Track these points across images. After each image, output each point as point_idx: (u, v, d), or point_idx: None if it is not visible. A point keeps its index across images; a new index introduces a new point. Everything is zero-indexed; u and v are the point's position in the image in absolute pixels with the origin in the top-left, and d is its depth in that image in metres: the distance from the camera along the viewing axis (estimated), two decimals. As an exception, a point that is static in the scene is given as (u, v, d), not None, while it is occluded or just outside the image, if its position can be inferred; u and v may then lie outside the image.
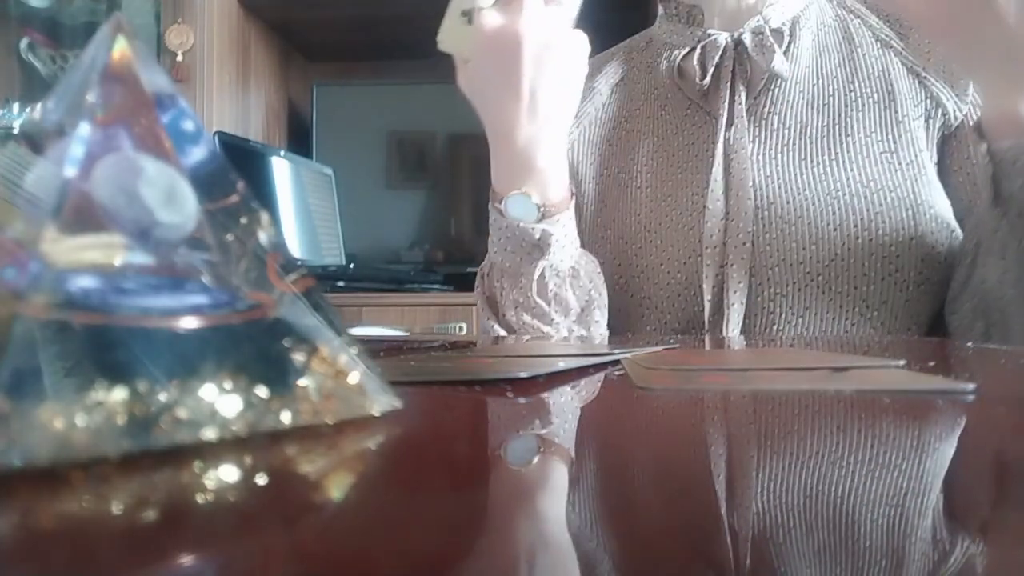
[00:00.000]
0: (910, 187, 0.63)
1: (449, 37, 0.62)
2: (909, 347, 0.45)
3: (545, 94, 0.59)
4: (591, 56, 0.85)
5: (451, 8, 0.61)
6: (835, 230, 0.62)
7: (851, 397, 0.23)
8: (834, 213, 0.63)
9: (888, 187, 0.63)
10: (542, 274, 0.62)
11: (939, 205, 0.63)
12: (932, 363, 0.32)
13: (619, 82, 0.80)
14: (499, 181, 0.64)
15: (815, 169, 0.65)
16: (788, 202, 0.64)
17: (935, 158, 0.65)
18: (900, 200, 0.62)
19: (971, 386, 0.23)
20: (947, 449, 0.17)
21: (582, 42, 0.61)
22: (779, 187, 0.65)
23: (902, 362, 0.30)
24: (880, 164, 0.64)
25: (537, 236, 0.61)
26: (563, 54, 0.59)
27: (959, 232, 0.63)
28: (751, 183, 0.65)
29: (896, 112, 0.66)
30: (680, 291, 0.66)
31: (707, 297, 0.64)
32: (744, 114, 0.68)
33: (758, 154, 0.67)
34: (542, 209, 0.62)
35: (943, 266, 0.63)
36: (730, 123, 0.68)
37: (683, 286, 0.66)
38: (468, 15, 0.60)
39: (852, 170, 0.64)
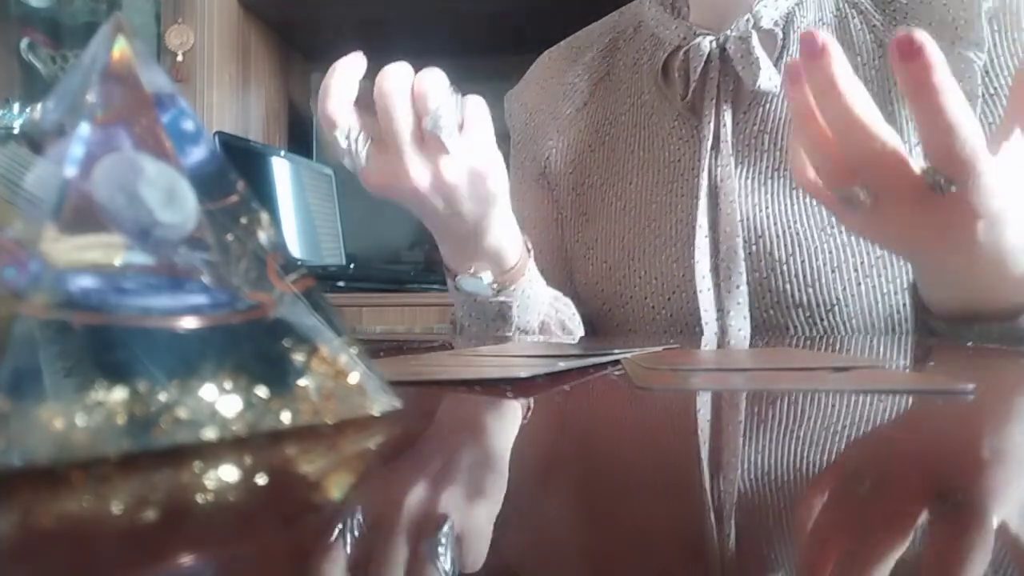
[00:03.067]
0: None
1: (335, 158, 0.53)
2: (909, 347, 0.45)
3: (467, 211, 0.53)
4: (565, 37, 0.76)
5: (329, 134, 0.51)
6: (832, 271, 0.58)
7: (851, 397, 0.23)
8: (830, 252, 0.58)
9: None
10: (509, 338, 0.59)
11: None
12: (932, 363, 0.32)
13: (603, 79, 0.73)
14: (447, 258, 0.59)
15: (806, 200, 0.60)
16: (778, 235, 0.60)
17: None
18: None
19: (971, 386, 0.23)
20: (946, 449, 0.17)
21: (484, 158, 0.52)
22: (767, 217, 0.61)
23: (902, 362, 0.30)
24: None
25: (496, 309, 0.58)
26: (461, 184, 0.51)
27: None
28: (739, 217, 0.61)
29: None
30: (666, 327, 0.64)
31: (708, 337, 0.60)
32: (729, 137, 0.62)
33: (745, 178, 0.62)
34: (495, 285, 0.57)
35: None
36: (715, 145, 0.63)
37: (668, 322, 0.63)
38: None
39: None
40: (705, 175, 0.62)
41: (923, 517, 0.12)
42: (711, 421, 0.21)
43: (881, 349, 0.44)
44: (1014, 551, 0.10)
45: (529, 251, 0.60)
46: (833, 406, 0.22)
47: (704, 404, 0.23)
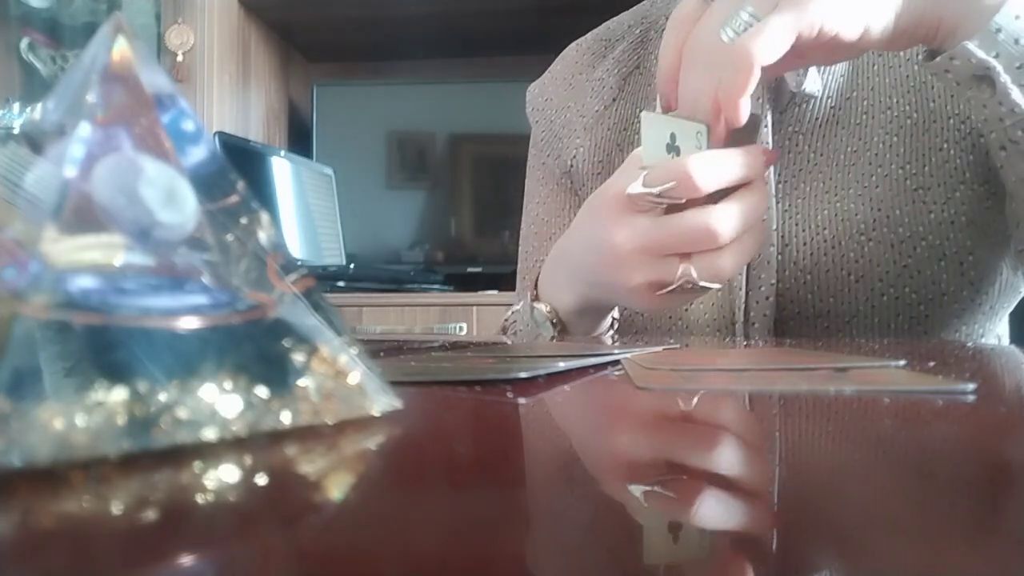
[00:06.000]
0: (943, 234, 0.56)
1: None
2: (909, 347, 0.45)
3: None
4: (567, 37, 0.74)
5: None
6: (857, 282, 0.56)
7: (851, 397, 0.23)
8: (856, 261, 0.56)
9: (918, 234, 0.56)
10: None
11: (981, 247, 0.56)
12: (932, 363, 0.32)
13: (632, 72, 0.70)
14: (551, 292, 0.58)
15: (838, 204, 0.57)
16: (804, 243, 0.58)
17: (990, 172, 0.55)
18: (931, 250, 0.56)
19: (971, 386, 0.23)
20: (947, 449, 0.17)
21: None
22: (797, 223, 0.58)
23: (902, 362, 0.30)
24: (912, 203, 0.56)
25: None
26: None
27: (1005, 270, 0.57)
28: (775, 226, 0.58)
29: (936, 137, 0.57)
30: (681, 336, 0.62)
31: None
32: (770, 139, 0.59)
33: (777, 181, 0.59)
34: (553, 320, 0.57)
35: (980, 315, 0.58)
36: None
37: (684, 332, 0.62)
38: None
39: (880, 210, 0.56)
40: None
41: (921, 517, 0.12)
42: (711, 421, 0.21)
43: (881, 349, 0.44)
44: (1013, 551, 0.10)
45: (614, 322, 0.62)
46: (834, 407, 0.22)
47: (704, 404, 0.23)
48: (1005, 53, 0.44)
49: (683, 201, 0.43)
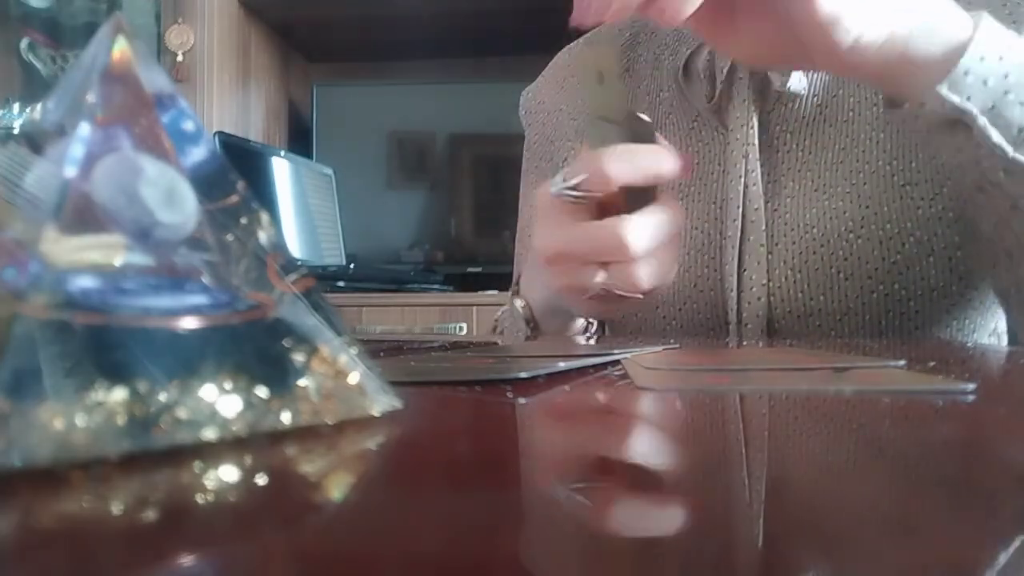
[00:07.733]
0: (931, 229, 0.56)
1: None
2: (909, 347, 0.45)
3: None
4: (567, 36, 0.74)
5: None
6: (846, 280, 0.57)
7: (851, 397, 0.23)
8: (845, 259, 0.57)
9: (906, 230, 0.56)
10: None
11: (970, 242, 0.56)
12: (932, 363, 0.32)
13: (621, 75, 0.70)
14: (529, 292, 0.61)
15: (827, 202, 0.58)
16: (795, 242, 0.58)
17: None
18: (920, 246, 0.56)
19: (971, 386, 0.23)
20: (947, 449, 0.17)
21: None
22: (786, 223, 0.59)
23: (902, 362, 0.30)
24: (900, 199, 0.56)
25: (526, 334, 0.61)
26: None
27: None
28: (764, 226, 0.59)
29: None
30: (678, 338, 0.62)
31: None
32: (756, 139, 0.60)
33: (766, 181, 0.60)
34: (526, 311, 0.60)
35: (971, 309, 0.58)
36: (742, 148, 0.61)
37: (680, 333, 0.63)
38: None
39: (868, 207, 0.57)
40: (738, 181, 0.60)
41: (921, 517, 0.12)
42: (712, 421, 0.21)
43: (881, 349, 0.44)
44: (1013, 551, 0.10)
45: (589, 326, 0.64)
46: (834, 407, 0.22)
47: (704, 404, 0.23)
48: (976, 96, 0.43)
49: (599, 196, 0.43)
